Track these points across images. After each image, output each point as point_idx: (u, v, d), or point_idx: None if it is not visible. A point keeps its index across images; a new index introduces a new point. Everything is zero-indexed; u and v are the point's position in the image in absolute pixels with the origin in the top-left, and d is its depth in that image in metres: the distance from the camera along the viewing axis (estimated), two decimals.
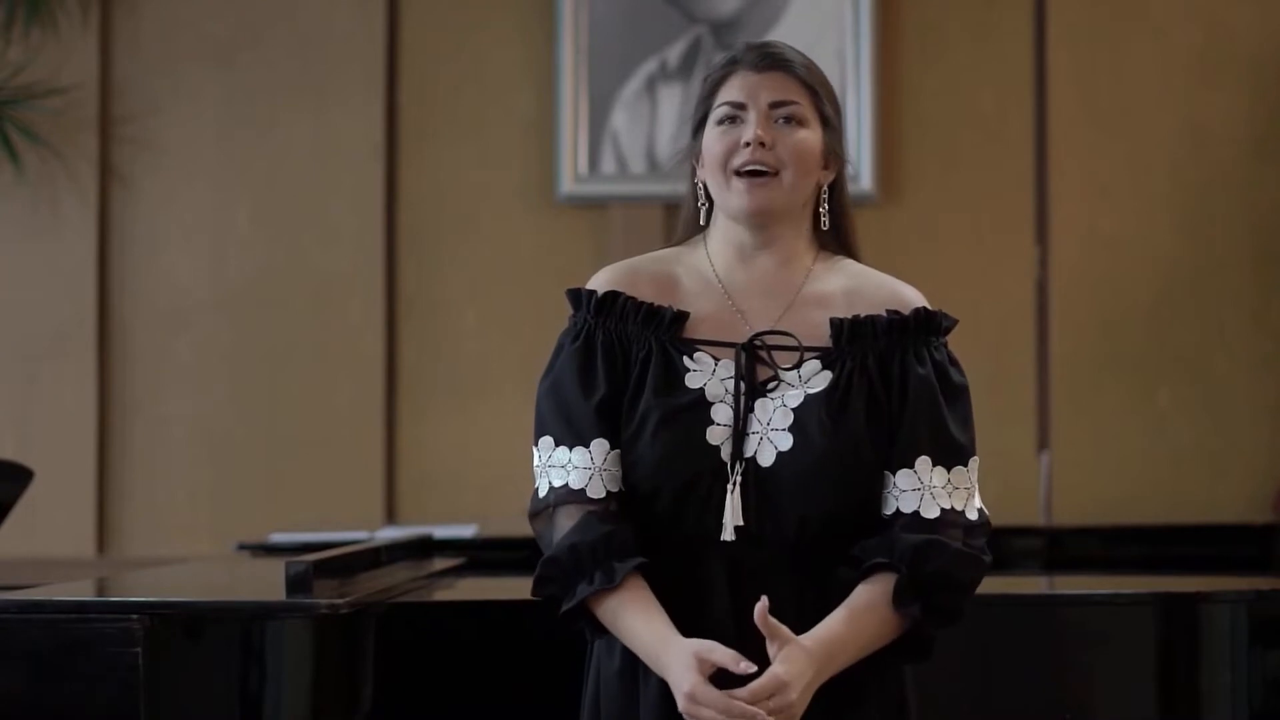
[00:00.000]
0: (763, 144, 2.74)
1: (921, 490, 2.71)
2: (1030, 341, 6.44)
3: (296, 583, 3.20)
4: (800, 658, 2.60)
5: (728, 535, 2.67)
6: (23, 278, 6.45)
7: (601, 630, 2.73)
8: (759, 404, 2.71)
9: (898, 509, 2.71)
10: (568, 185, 6.41)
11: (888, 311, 2.76)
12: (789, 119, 2.77)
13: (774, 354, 2.74)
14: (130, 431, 6.46)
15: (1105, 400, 6.42)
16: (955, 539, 2.71)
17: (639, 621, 2.67)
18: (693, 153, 2.84)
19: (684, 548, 2.71)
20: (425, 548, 4.19)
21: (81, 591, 3.47)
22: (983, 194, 6.46)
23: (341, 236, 6.48)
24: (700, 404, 2.71)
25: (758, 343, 2.74)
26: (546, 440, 2.76)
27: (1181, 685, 3.44)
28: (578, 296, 2.80)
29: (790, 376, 2.73)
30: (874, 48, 6.32)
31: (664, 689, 2.68)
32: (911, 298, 2.79)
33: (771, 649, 2.60)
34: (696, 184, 2.83)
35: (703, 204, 2.83)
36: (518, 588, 4.04)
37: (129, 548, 6.40)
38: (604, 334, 2.76)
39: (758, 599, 2.67)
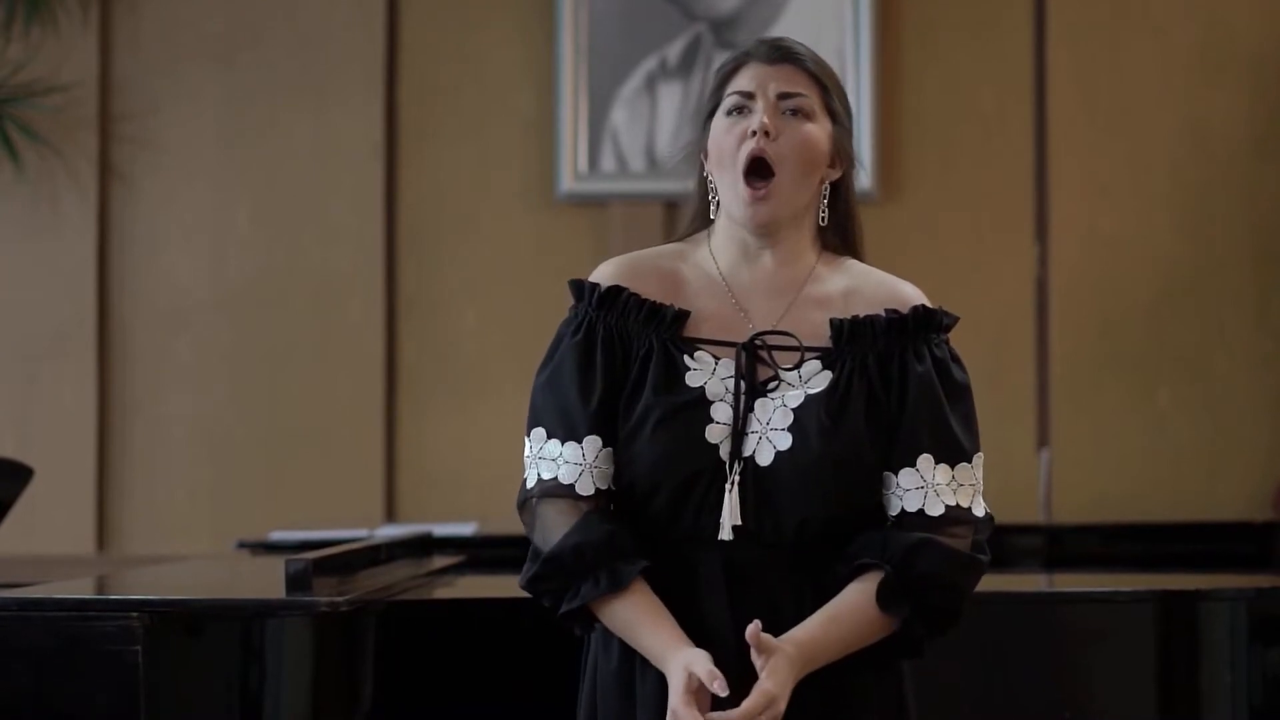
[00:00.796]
0: (768, 133, 2.74)
1: (925, 488, 2.70)
2: (1030, 339, 6.44)
3: (296, 581, 3.20)
4: (783, 667, 2.60)
5: (725, 534, 2.66)
6: (22, 276, 6.45)
7: (592, 625, 2.73)
8: (759, 404, 2.71)
9: (902, 509, 2.71)
10: (568, 183, 6.42)
11: (886, 311, 2.75)
12: (796, 111, 2.76)
13: (774, 354, 2.73)
14: (130, 430, 6.46)
15: (1105, 398, 6.42)
16: (961, 537, 2.71)
17: (645, 627, 2.67)
18: (701, 145, 2.83)
19: (681, 546, 2.71)
20: (425, 546, 4.19)
21: (81, 590, 3.47)
22: (982, 192, 6.46)
23: (341, 235, 6.48)
24: (700, 403, 2.71)
25: (758, 342, 2.73)
26: (539, 432, 2.75)
27: (1181, 683, 3.44)
28: (580, 288, 2.80)
29: (790, 377, 2.72)
30: (874, 45, 6.32)
31: (661, 687, 2.67)
32: (911, 296, 2.78)
33: (758, 662, 2.59)
34: (705, 177, 2.83)
35: (713, 198, 2.82)
36: (517, 586, 4.05)
37: (129, 546, 6.41)
38: (605, 329, 2.76)
39: (755, 599, 2.68)
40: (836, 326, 2.74)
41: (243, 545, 4.93)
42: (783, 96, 2.77)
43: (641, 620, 2.67)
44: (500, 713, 3.30)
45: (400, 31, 6.54)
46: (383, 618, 3.27)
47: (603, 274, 2.81)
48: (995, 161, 6.48)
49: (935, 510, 2.70)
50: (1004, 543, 4.82)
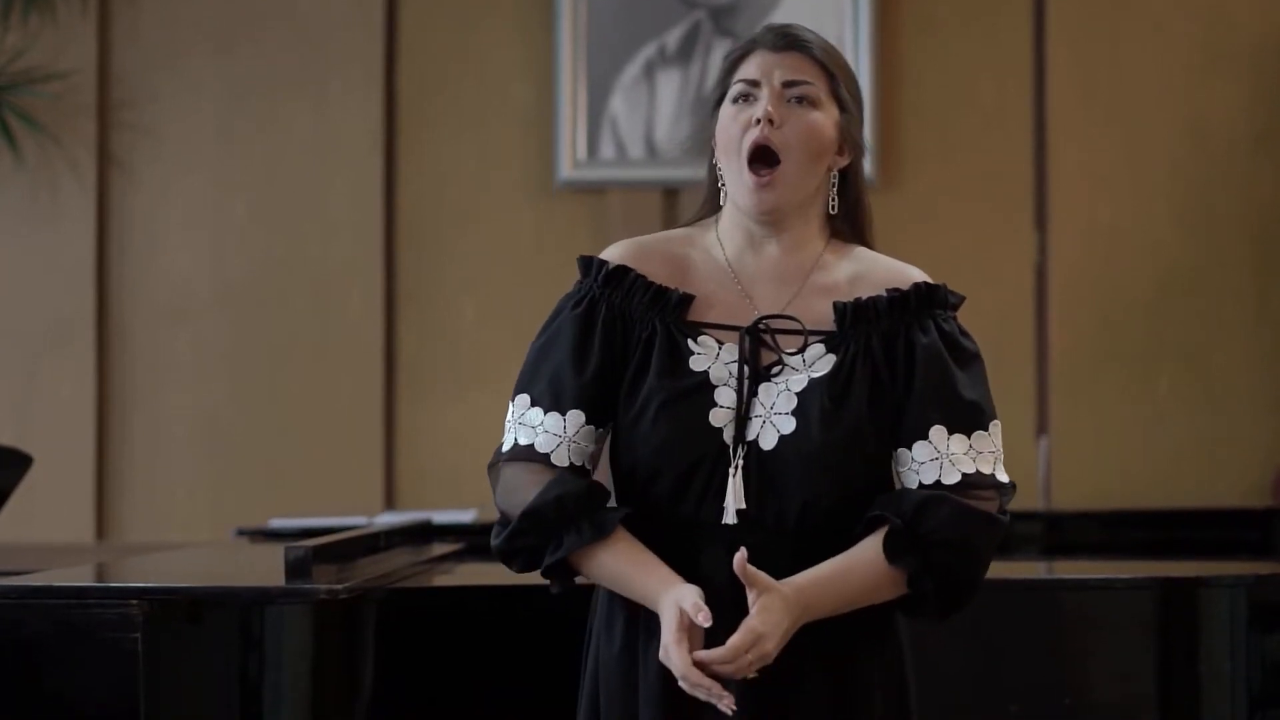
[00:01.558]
0: (772, 121, 2.74)
1: (940, 459, 2.69)
2: (1029, 327, 6.44)
3: (296, 568, 3.20)
4: (777, 606, 2.58)
5: (730, 519, 2.65)
6: (22, 265, 6.45)
7: (571, 580, 2.71)
8: (763, 388, 2.70)
9: (919, 483, 2.69)
10: (566, 171, 6.41)
11: (888, 290, 2.75)
12: (802, 99, 2.76)
13: (778, 338, 2.73)
14: (129, 418, 6.46)
15: (1104, 387, 6.42)
16: (987, 500, 2.69)
17: (635, 571, 2.66)
18: (710, 132, 2.83)
19: (685, 531, 2.71)
20: (424, 533, 4.19)
21: (81, 577, 3.47)
22: (982, 182, 6.46)
23: (341, 226, 6.48)
24: (704, 387, 2.70)
25: (762, 326, 2.73)
26: (523, 398, 2.75)
27: (1180, 669, 3.44)
28: (589, 264, 2.80)
29: (794, 361, 2.72)
30: (873, 34, 6.31)
31: (663, 671, 2.67)
32: (915, 277, 2.78)
33: (750, 596, 2.58)
34: (714, 163, 2.83)
35: (722, 185, 2.82)
36: (516, 573, 4.05)
37: (128, 535, 6.41)
38: (608, 307, 2.76)
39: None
40: (840, 309, 2.74)
41: (242, 533, 4.93)
42: (788, 84, 2.76)
43: (630, 565, 2.67)
44: (500, 700, 3.30)
45: (399, 21, 6.53)
46: (382, 605, 3.27)
47: (611, 254, 2.81)
48: (995, 151, 6.48)
49: (951, 479, 2.68)
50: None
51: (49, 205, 6.44)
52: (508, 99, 6.50)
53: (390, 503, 6.39)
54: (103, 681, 3.05)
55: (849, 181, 2.82)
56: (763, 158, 2.74)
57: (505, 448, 2.75)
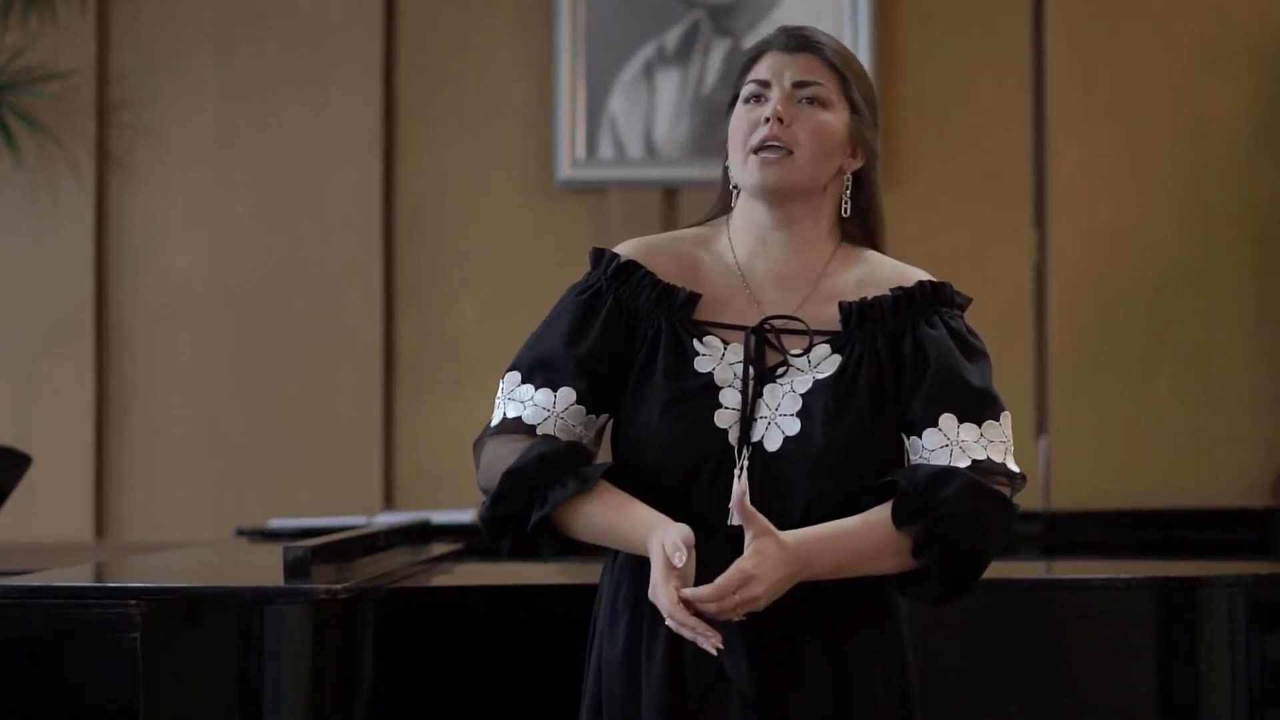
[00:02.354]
0: (780, 120, 2.74)
1: (950, 445, 2.68)
2: (1028, 326, 6.44)
3: (295, 568, 3.20)
4: (774, 553, 2.57)
5: (735, 520, 2.65)
6: (21, 265, 6.45)
7: (560, 545, 2.70)
8: (768, 389, 2.70)
9: None
10: (565, 170, 6.41)
11: (892, 289, 2.75)
12: (812, 100, 2.76)
13: (784, 339, 2.73)
14: (129, 417, 6.46)
15: (1103, 386, 6.42)
16: (998, 484, 2.68)
17: (621, 517, 2.66)
18: (724, 133, 2.83)
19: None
20: (424, 533, 4.19)
21: (80, 577, 3.47)
22: (981, 180, 6.46)
23: (340, 225, 6.47)
24: (708, 388, 2.70)
25: (767, 327, 2.73)
26: (513, 375, 2.76)
27: (1180, 669, 3.44)
28: (600, 256, 2.81)
29: (800, 362, 2.72)
30: (872, 33, 6.31)
31: (667, 672, 2.67)
32: (919, 277, 2.78)
33: (747, 537, 2.57)
34: (727, 164, 2.83)
35: (734, 185, 2.82)
36: (516, 573, 4.04)
37: (127, 534, 6.41)
38: (613, 300, 2.76)
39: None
40: (845, 309, 2.74)
41: (241, 532, 4.93)
42: (799, 85, 2.76)
43: (616, 513, 2.67)
44: (501, 700, 3.30)
45: (398, 20, 6.53)
46: (381, 605, 3.27)
47: (622, 249, 2.82)
48: (994, 150, 6.48)
49: (962, 464, 2.67)
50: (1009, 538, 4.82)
51: (48, 205, 6.44)
52: (507, 99, 6.49)
53: (389, 502, 6.39)
54: (102, 681, 3.04)
55: (861, 185, 2.82)
56: (771, 150, 2.74)
57: (493, 423, 2.75)
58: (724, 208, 2.86)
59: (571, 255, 6.27)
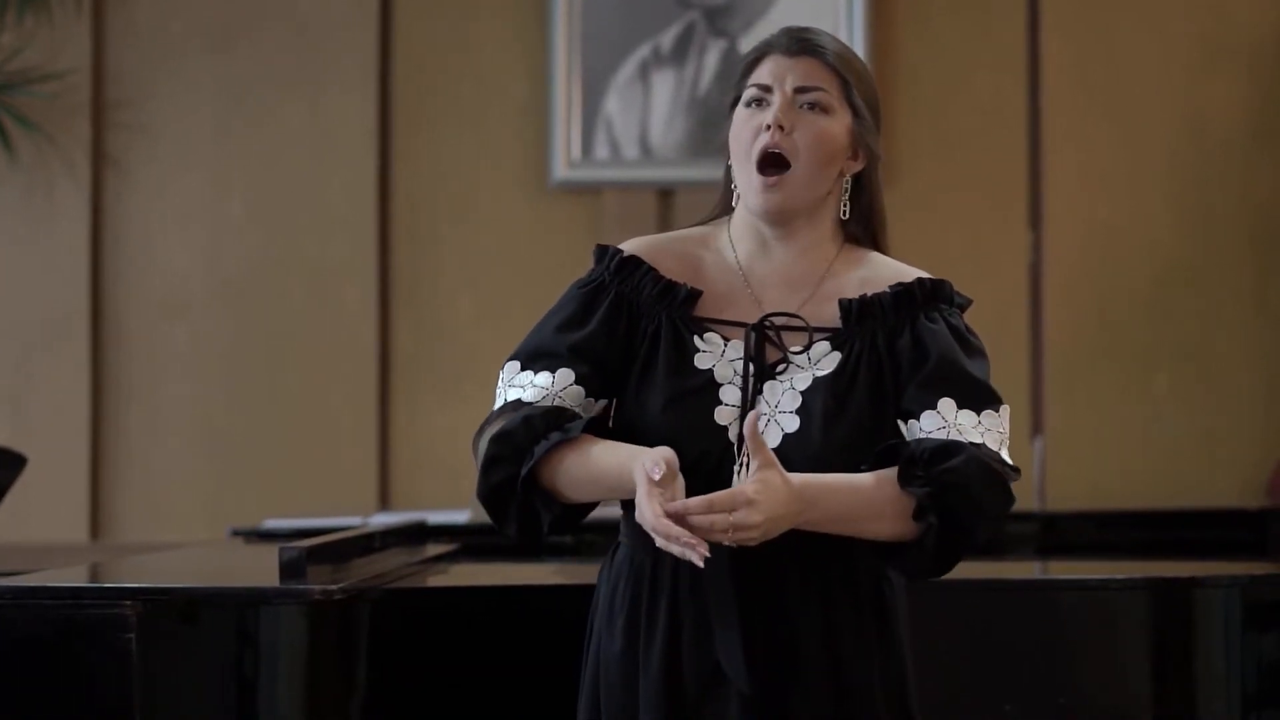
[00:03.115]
0: (781, 128, 2.74)
1: (947, 428, 2.67)
2: (1024, 326, 6.44)
3: (290, 568, 3.20)
4: (778, 485, 2.55)
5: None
6: (17, 264, 6.45)
7: (560, 520, 2.69)
8: (767, 386, 2.70)
9: None
10: (561, 171, 6.41)
11: (891, 286, 2.75)
12: (814, 105, 2.76)
13: (784, 336, 2.73)
14: (124, 418, 6.46)
15: (1100, 386, 6.42)
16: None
17: (603, 454, 2.65)
18: (726, 134, 2.83)
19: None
20: (419, 533, 4.19)
21: (75, 577, 3.47)
22: (977, 179, 6.46)
23: (336, 223, 6.47)
24: (709, 385, 2.71)
25: (767, 324, 2.73)
26: (513, 364, 2.77)
27: (1175, 669, 3.45)
28: (604, 252, 2.81)
29: (800, 359, 2.72)
30: (867, 31, 6.31)
31: (664, 670, 2.68)
32: (919, 275, 2.78)
33: (753, 465, 2.55)
34: (729, 164, 2.83)
35: (734, 186, 2.83)
36: (512, 573, 4.04)
37: (123, 534, 6.40)
38: (615, 293, 2.77)
39: (760, 582, 2.67)
40: (845, 306, 2.74)
41: (237, 533, 4.92)
42: (800, 90, 2.77)
43: (599, 456, 2.66)
44: (497, 700, 3.30)
45: (394, 19, 6.53)
46: (377, 606, 3.27)
47: (625, 245, 2.83)
48: (990, 149, 6.47)
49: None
50: (997, 529, 4.81)
51: (44, 205, 6.44)
52: (503, 99, 6.49)
53: (385, 501, 6.39)
54: (98, 682, 3.04)
55: (862, 186, 2.83)
56: (772, 162, 2.75)
57: (494, 409, 2.76)
58: (726, 208, 2.87)
59: (567, 256, 6.27)
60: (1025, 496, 6.09)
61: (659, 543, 2.53)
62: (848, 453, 2.67)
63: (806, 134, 2.74)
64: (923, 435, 2.68)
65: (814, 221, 2.80)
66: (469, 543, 4.42)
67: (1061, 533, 4.99)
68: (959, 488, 2.63)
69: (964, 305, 2.79)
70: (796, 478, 2.58)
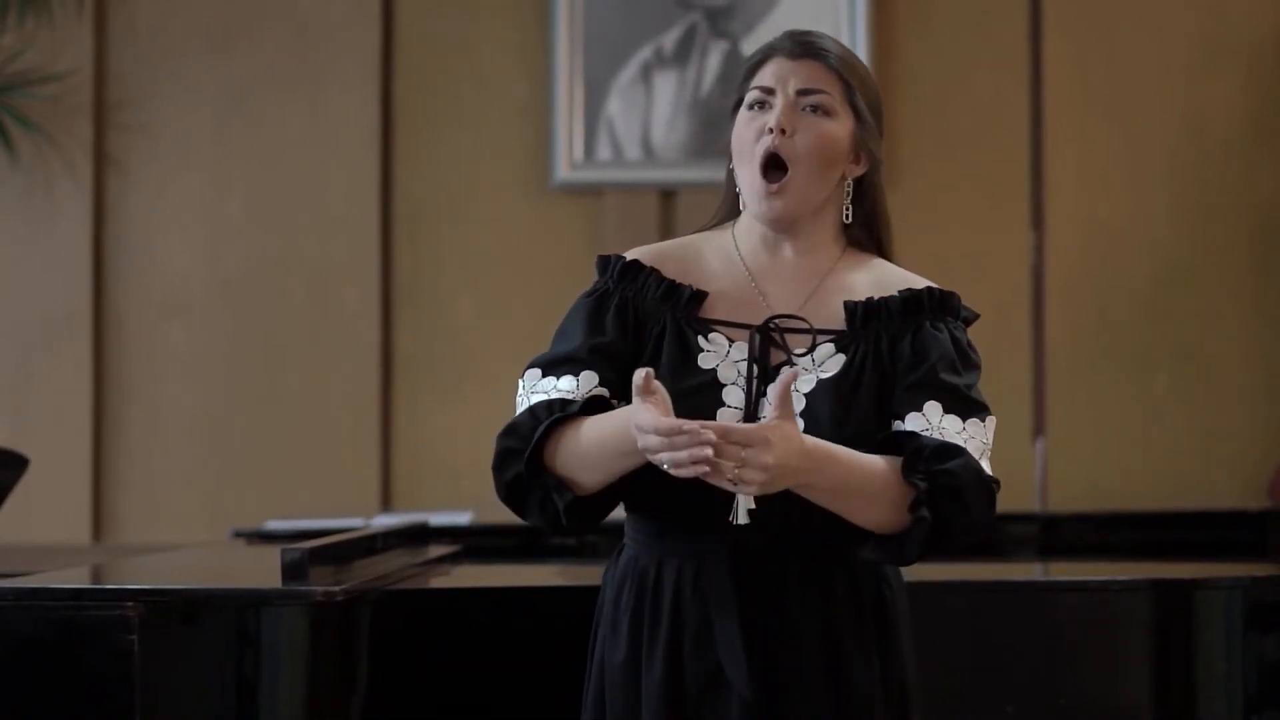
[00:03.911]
0: (784, 131, 2.74)
1: (930, 430, 2.67)
2: (1026, 327, 6.44)
3: (292, 570, 3.20)
4: (794, 436, 2.54)
5: (741, 519, 2.62)
6: (18, 265, 6.45)
7: (560, 492, 2.68)
8: (771, 388, 2.70)
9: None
10: (563, 172, 6.41)
11: (900, 291, 2.75)
12: (816, 108, 2.76)
13: (788, 338, 2.73)
14: (126, 419, 6.46)
15: (1101, 387, 6.42)
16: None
17: (601, 421, 2.64)
18: (729, 137, 2.83)
19: (689, 531, 2.71)
20: (421, 535, 4.19)
21: (76, 579, 3.46)
22: (979, 180, 6.46)
23: (337, 223, 6.47)
24: (712, 386, 2.71)
25: (771, 326, 2.73)
26: (534, 371, 2.76)
27: (1176, 671, 3.45)
28: (605, 262, 2.81)
29: (804, 361, 2.72)
30: (869, 33, 6.32)
31: (667, 674, 2.68)
32: (928, 284, 2.78)
33: (772, 414, 2.53)
34: (732, 168, 2.84)
35: (738, 189, 2.83)
36: (514, 574, 4.04)
37: (124, 535, 6.40)
38: (621, 298, 2.77)
39: (761, 585, 2.67)
40: (850, 308, 2.74)
41: (238, 534, 4.92)
42: (803, 93, 2.77)
43: (598, 421, 2.65)
44: (499, 703, 3.30)
45: (396, 20, 6.53)
46: (379, 607, 3.27)
47: (628, 253, 2.83)
48: (992, 150, 6.48)
49: None
50: (999, 531, 4.83)
51: (44, 205, 6.44)
52: (505, 99, 6.49)
53: (386, 502, 6.39)
54: (99, 683, 3.04)
55: (865, 191, 2.83)
56: (774, 165, 2.75)
57: (516, 415, 2.74)
58: (730, 212, 2.86)
59: (569, 257, 6.28)
60: (1027, 498, 6.09)
61: (654, 442, 2.50)
62: None
63: (808, 137, 2.75)
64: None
65: (817, 223, 2.80)
66: (471, 544, 4.42)
67: (1063, 534, 5.00)
68: (954, 490, 2.63)
69: (969, 319, 2.79)
70: (810, 439, 2.57)
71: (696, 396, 2.70)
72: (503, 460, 2.71)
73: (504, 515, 4.92)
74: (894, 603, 2.77)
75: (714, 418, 2.68)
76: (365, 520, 4.76)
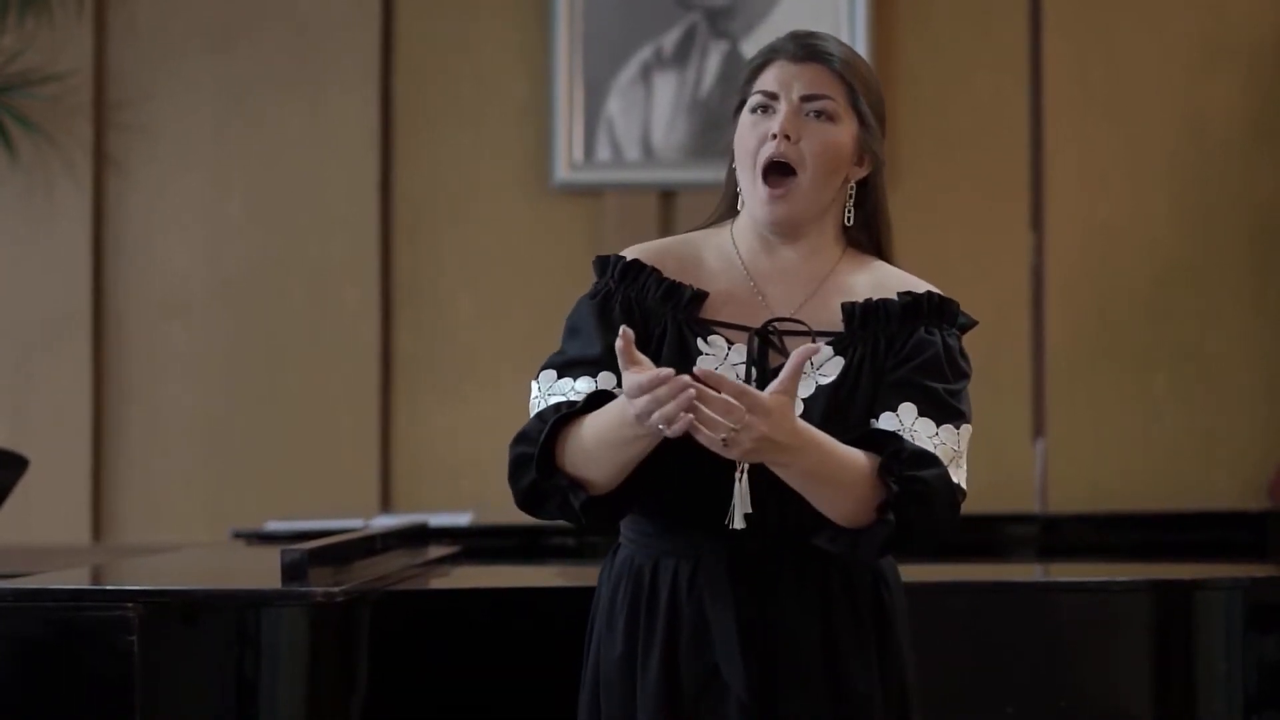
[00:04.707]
0: (788, 137, 2.73)
1: (901, 431, 2.66)
2: (1026, 328, 6.44)
3: (292, 571, 3.20)
4: (789, 412, 2.53)
5: (738, 523, 2.63)
6: (18, 265, 6.44)
7: (575, 493, 2.67)
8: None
9: None
10: (563, 173, 6.41)
11: (899, 294, 2.75)
12: (820, 113, 2.76)
13: (786, 341, 2.73)
14: (126, 419, 6.46)
15: (1101, 388, 6.42)
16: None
17: (604, 413, 2.62)
18: (730, 138, 2.83)
19: (688, 530, 2.71)
20: (421, 535, 4.19)
21: (76, 579, 3.47)
22: (978, 181, 6.46)
23: (337, 224, 6.47)
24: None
25: (770, 329, 2.73)
26: (549, 373, 2.74)
27: (1176, 672, 3.45)
28: (604, 263, 2.80)
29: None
30: (869, 33, 6.31)
31: (663, 674, 2.68)
32: (928, 288, 2.78)
33: (775, 385, 2.52)
34: (733, 168, 2.83)
35: (738, 190, 2.82)
36: (513, 575, 4.05)
37: (124, 536, 6.40)
38: (624, 298, 2.76)
39: (757, 586, 2.67)
40: (848, 309, 2.74)
41: (238, 535, 4.93)
42: (806, 98, 2.76)
43: (595, 416, 2.63)
44: (497, 703, 3.30)
45: (396, 19, 6.52)
46: (378, 608, 3.27)
47: (626, 252, 2.82)
48: (991, 150, 6.47)
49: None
50: (999, 532, 4.83)
51: (44, 206, 6.43)
52: (504, 100, 6.49)
53: (386, 502, 6.39)
54: (99, 684, 3.05)
55: (867, 193, 2.82)
56: (777, 170, 2.74)
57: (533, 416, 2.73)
58: (729, 211, 2.86)
59: (569, 258, 6.27)
60: (1026, 498, 6.09)
61: (654, 417, 2.48)
62: None
63: (813, 143, 2.74)
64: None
65: (819, 226, 2.80)
66: (470, 545, 4.43)
67: (1062, 535, 5.00)
68: (923, 498, 2.63)
69: (967, 326, 2.79)
70: (800, 421, 2.56)
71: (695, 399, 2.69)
72: (516, 468, 2.70)
73: (503, 516, 4.93)
74: (892, 603, 2.77)
75: None
76: (365, 521, 4.77)
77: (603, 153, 6.41)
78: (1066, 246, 6.44)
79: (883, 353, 2.73)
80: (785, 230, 2.77)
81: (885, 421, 2.68)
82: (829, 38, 2.81)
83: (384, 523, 4.52)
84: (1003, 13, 6.48)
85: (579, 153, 6.40)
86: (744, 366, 2.71)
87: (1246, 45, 6.46)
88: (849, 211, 2.81)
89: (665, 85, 6.41)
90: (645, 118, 6.41)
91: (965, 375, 2.76)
